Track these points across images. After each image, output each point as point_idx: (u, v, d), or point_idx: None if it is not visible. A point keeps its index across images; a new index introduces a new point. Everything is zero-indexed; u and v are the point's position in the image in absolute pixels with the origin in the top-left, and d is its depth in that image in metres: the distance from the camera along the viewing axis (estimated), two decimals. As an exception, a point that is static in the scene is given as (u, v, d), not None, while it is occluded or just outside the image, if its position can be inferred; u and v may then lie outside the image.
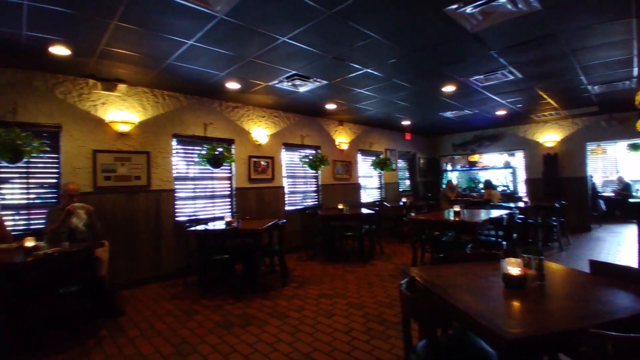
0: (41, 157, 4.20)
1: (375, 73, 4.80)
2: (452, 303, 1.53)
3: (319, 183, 7.67)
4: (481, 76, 5.07)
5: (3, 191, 4.02)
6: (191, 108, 5.62)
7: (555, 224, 6.27)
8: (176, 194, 5.38)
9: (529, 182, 9.37)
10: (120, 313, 3.69)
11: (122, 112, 4.85)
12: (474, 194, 9.98)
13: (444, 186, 10.05)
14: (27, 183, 4.20)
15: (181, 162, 5.55)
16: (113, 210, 4.67)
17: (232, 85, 5.14)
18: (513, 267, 1.70)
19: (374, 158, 8.83)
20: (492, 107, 7.20)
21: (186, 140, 5.57)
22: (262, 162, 6.50)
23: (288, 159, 7.14)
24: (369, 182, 9.13)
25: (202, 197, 5.80)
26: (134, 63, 4.20)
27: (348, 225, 6.27)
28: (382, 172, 9.22)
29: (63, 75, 4.44)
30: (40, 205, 4.24)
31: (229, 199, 6.11)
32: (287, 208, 6.88)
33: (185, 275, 4.97)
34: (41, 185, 4.30)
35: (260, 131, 6.48)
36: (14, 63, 4.03)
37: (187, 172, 5.61)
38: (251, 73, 4.66)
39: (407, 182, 10.81)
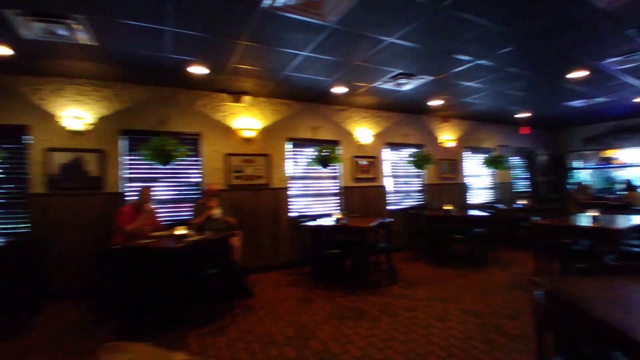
0: (186, 160, 5.08)
1: (486, 64, 4.47)
2: (603, 319, 1.37)
3: (424, 182, 7.44)
4: (618, 58, 4.28)
5: (156, 188, 4.98)
6: (302, 113, 6.08)
7: None
8: (289, 192, 5.89)
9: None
10: (249, 295, 4.24)
11: (246, 120, 5.54)
12: (610, 197, 8.38)
13: (572, 187, 8.67)
14: (175, 182, 5.15)
15: (294, 163, 6.06)
16: (241, 205, 5.36)
17: (338, 90, 5.38)
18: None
19: (484, 156, 8.15)
20: (632, 93, 5.97)
21: (298, 143, 6.05)
22: (366, 162, 6.63)
23: (391, 158, 7.11)
24: (477, 182, 8.46)
25: (311, 195, 6.22)
26: (256, 77, 4.76)
27: (455, 228, 5.94)
28: (495, 170, 8.43)
29: (200, 91, 5.28)
30: (186, 200, 5.14)
31: (336, 197, 6.41)
32: (390, 207, 6.87)
33: (299, 265, 5.43)
34: (186, 184, 5.21)
35: (364, 132, 6.61)
36: (161, 82, 4.90)
37: (299, 172, 6.10)
38: (356, 76, 4.82)
39: (524, 182, 9.65)
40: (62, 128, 4.44)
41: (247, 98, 5.51)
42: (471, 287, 4.47)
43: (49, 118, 4.41)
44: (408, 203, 7.27)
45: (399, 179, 7.22)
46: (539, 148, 9.69)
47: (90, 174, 4.52)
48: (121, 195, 4.70)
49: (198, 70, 4.41)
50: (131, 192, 4.76)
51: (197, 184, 5.23)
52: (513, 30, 3.53)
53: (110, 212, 4.39)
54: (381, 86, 5.29)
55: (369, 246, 4.82)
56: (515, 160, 9.21)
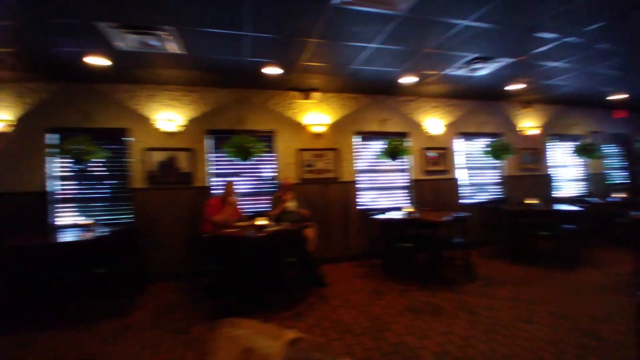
0: (263, 156, 5.42)
1: (574, 41, 4.02)
2: None
3: (503, 174, 6.94)
4: None
5: (238, 183, 5.39)
6: (370, 106, 6.07)
7: None
8: (358, 185, 5.95)
9: None
10: (323, 284, 4.42)
11: (316, 116, 5.71)
12: None
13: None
14: (254, 176, 5.52)
15: (361, 156, 6.08)
16: (313, 198, 5.56)
17: (406, 80, 5.26)
18: None
19: (572, 144, 7.30)
20: None
21: (366, 136, 6.06)
22: (436, 154, 6.39)
23: (464, 149, 6.75)
24: (565, 173, 7.62)
25: (379, 188, 6.19)
26: (325, 73, 4.88)
27: (540, 223, 5.45)
28: (586, 160, 7.50)
29: (273, 90, 5.56)
30: (263, 193, 5.50)
31: (405, 190, 6.30)
32: (463, 201, 6.55)
33: (369, 257, 5.49)
34: (264, 178, 5.57)
35: (434, 122, 6.37)
36: (240, 84, 5.28)
37: (367, 165, 6.11)
38: (426, 65, 4.68)
39: (620, 172, 8.43)
40: (157, 130, 5.04)
41: (316, 94, 5.66)
42: (560, 288, 4.10)
43: (145, 121, 5.04)
44: (484, 196, 6.84)
45: (474, 171, 6.83)
46: (637, 134, 8.37)
47: (181, 170, 5.08)
48: (207, 189, 5.20)
49: (272, 70, 4.66)
50: (216, 186, 5.25)
51: (273, 178, 5.56)
52: (605, 2, 3.13)
53: (199, 204, 4.89)
54: (453, 73, 5.05)
55: (442, 241, 4.68)
56: (609, 148, 8.09)
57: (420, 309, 3.61)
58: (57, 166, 4.80)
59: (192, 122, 5.21)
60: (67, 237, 3.97)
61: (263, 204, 5.39)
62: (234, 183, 4.81)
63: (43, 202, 4.68)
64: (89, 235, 3.90)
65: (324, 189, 5.70)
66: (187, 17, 3.27)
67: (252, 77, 4.94)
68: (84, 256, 3.88)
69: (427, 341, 2.94)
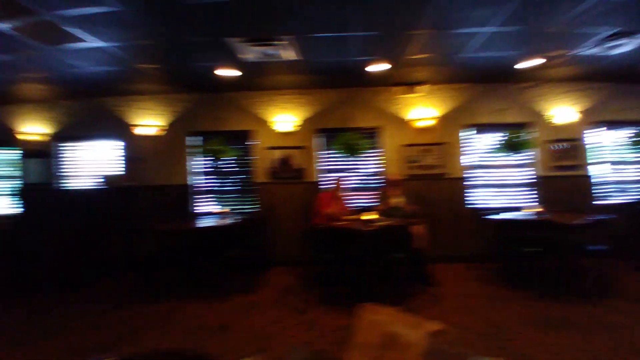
0: (369, 153, 5.54)
1: None
2: None
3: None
4: None
5: (346, 178, 5.55)
6: (482, 96, 5.61)
7: None
8: (468, 182, 5.58)
9: None
10: (432, 283, 4.30)
11: (422, 110, 5.55)
12: None
13: None
14: (361, 172, 5.68)
15: (473, 150, 5.68)
16: (419, 194, 5.40)
17: (526, 64, 4.71)
18: None
19: None
20: None
21: (479, 129, 5.64)
22: (564, 146, 5.55)
23: (602, 140, 5.69)
24: None
25: (494, 186, 5.69)
26: (431, 64, 4.71)
27: None
28: None
29: (377, 87, 5.59)
30: (370, 188, 5.61)
31: (527, 188, 5.65)
32: (599, 202, 5.55)
33: (483, 260, 5.13)
34: (370, 174, 5.68)
35: (562, 110, 5.53)
36: (346, 83, 5.45)
37: (479, 160, 5.68)
38: (550, 45, 4.13)
39: None
40: (275, 131, 5.59)
41: (422, 87, 5.48)
42: None
43: (265, 123, 5.63)
44: (629, 196, 5.68)
45: (617, 166, 5.72)
46: None
47: (295, 166, 5.56)
48: (317, 184, 5.57)
49: (377, 67, 4.71)
50: (325, 181, 5.59)
51: (379, 173, 5.62)
52: None
53: (310, 197, 5.27)
54: (584, 53, 4.33)
55: (575, 246, 4.07)
56: None
57: (547, 322, 3.22)
58: (196, 163, 5.76)
59: (305, 122, 5.63)
60: (207, 222, 4.73)
61: (370, 199, 5.49)
62: (343, 178, 5.02)
63: (186, 193, 5.67)
64: (224, 221, 4.58)
65: (430, 186, 5.52)
66: (303, 26, 3.54)
67: (358, 76, 5.08)
68: (220, 239, 4.56)
69: (557, 358, 2.62)
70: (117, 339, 3.23)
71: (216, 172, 5.80)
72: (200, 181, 5.77)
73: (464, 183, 5.56)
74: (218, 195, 5.77)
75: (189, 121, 5.73)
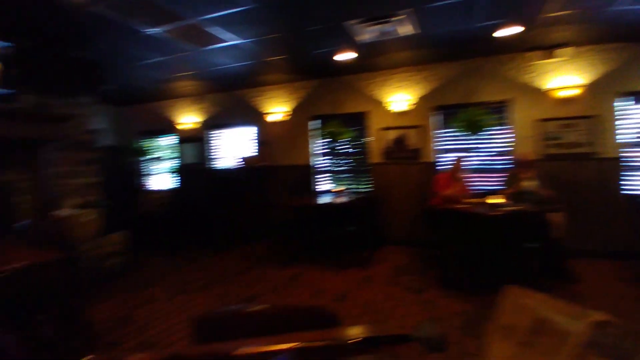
0: (495, 129, 5.04)
1: None
2: None
3: None
4: None
5: (467, 158, 5.21)
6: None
7: None
8: (625, 163, 4.59)
9: None
10: (573, 280, 3.77)
11: (562, 78, 4.74)
12: None
13: None
14: (485, 151, 5.23)
15: (631, 124, 4.61)
16: (558, 177, 4.72)
17: None
18: None
19: None
20: None
21: (637, 98, 4.52)
22: None
23: None
24: None
25: (666, 167, 4.56)
26: (575, 22, 3.93)
27: None
28: None
29: (506, 55, 4.96)
30: (495, 170, 5.14)
31: None
32: None
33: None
34: (496, 153, 5.19)
35: None
36: (468, 54, 5.01)
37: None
38: None
39: None
40: (389, 111, 5.58)
41: (563, 51, 4.64)
42: None
43: (379, 104, 5.66)
44: None
45: None
46: None
47: (410, 147, 5.47)
48: (434, 164, 5.39)
49: (507, 32, 4.17)
50: (442, 161, 5.37)
51: (507, 153, 5.09)
52: None
53: (425, 178, 5.17)
54: None
55: None
56: None
57: None
58: (317, 145, 6.21)
59: (421, 100, 5.44)
60: (325, 200, 5.11)
61: (495, 182, 5.05)
62: (463, 159, 4.74)
63: (308, 173, 6.18)
64: (342, 199, 4.88)
65: (574, 167, 4.72)
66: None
67: (483, 44, 4.62)
68: (338, 216, 4.89)
69: None
70: (260, 293, 3.87)
71: (333, 153, 6.16)
72: (320, 161, 6.21)
73: (620, 164, 4.60)
74: (335, 175, 6.14)
75: (310, 106, 6.16)
